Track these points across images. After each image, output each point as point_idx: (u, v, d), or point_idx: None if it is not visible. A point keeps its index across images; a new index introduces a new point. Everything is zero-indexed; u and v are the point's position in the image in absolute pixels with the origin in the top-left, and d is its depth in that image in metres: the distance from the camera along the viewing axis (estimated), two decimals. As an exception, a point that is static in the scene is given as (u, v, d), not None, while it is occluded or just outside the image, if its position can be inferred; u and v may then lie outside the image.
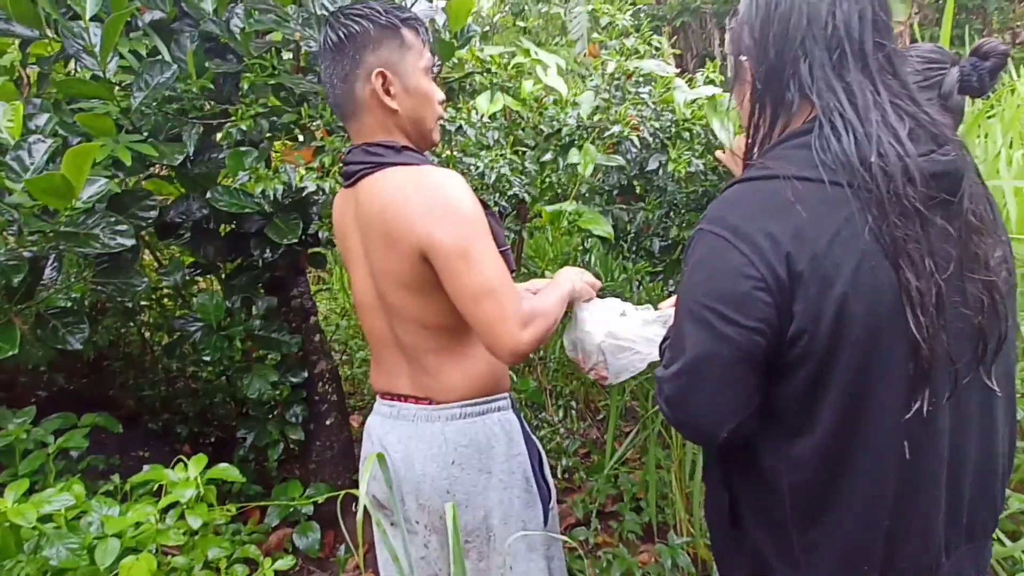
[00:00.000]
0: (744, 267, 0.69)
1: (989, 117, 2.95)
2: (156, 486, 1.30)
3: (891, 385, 0.70)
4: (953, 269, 0.70)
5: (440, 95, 1.04)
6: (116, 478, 1.43)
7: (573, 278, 1.08)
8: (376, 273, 1.01)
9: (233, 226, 1.81)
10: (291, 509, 1.98)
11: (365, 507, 0.77)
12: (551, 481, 1.12)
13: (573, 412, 2.53)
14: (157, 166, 1.81)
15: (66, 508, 1.08)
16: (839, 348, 0.69)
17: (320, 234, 1.58)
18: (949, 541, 0.76)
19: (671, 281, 1.66)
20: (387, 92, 0.97)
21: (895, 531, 0.73)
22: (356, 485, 2.35)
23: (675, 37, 6.75)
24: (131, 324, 2.42)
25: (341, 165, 1.10)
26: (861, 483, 0.72)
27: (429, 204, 0.90)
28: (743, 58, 0.79)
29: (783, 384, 0.73)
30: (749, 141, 0.82)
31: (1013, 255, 0.79)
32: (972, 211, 0.72)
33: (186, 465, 1.29)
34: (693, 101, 1.50)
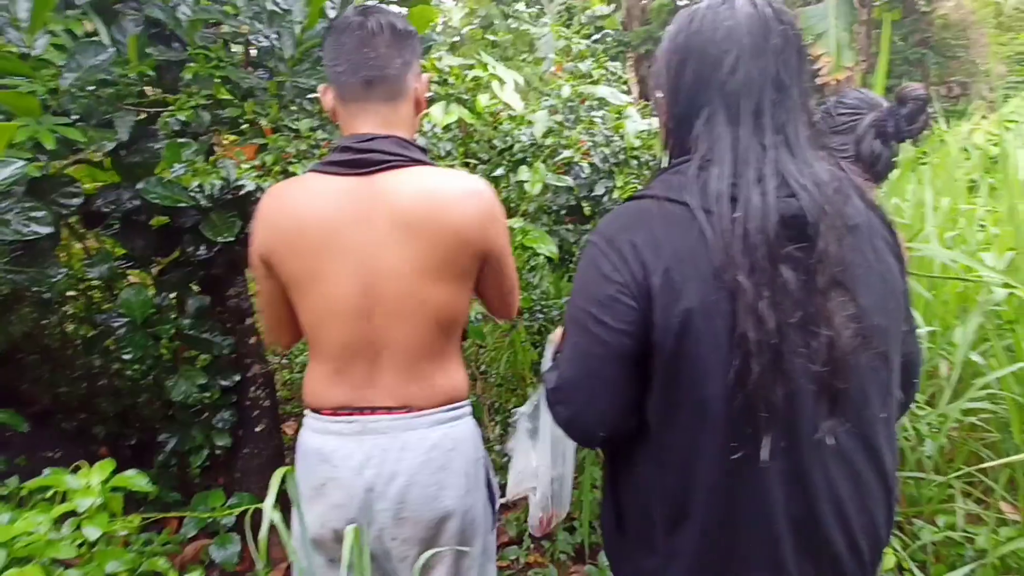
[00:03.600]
0: (611, 272, 0.76)
1: (923, 164, 3.13)
2: (57, 491, 1.21)
3: (720, 411, 0.73)
4: (797, 322, 0.71)
5: None
6: (14, 481, 1.33)
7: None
8: (392, 269, 0.95)
9: (168, 220, 1.73)
10: (210, 519, 1.89)
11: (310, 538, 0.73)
12: (496, 488, 1.13)
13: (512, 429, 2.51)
14: (92, 152, 1.72)
15: (-53, 514, 0.99)
16: (681, 361, 0.73)
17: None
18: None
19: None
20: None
21: (734, 554, 0.77)
22: (284, 496, 2.26)
23: (640, 64, 6.93)
24: (51, 316, 2.28)
25: (340, 151, 0.98)
26: (698, 498, 0.76)
27: (489, 208, 1.00)
28: (659, 95, 0.84)
29: (648, 391, 0.78)
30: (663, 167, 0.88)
31: (893, 322, 0.79)
32: (826, 267, 0.72)
33: (87, 470, 1.21)
34: (643, 131, 1.53)
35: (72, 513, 1.12)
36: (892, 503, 0.83)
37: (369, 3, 1.00)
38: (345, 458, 0.98)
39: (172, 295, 1.86)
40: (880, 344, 0.76)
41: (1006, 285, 1.66)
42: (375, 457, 0.98)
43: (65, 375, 2.29)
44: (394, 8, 1.86)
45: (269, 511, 0.74)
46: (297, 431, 2.79)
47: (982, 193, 2.78)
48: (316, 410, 1.03)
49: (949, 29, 6.48)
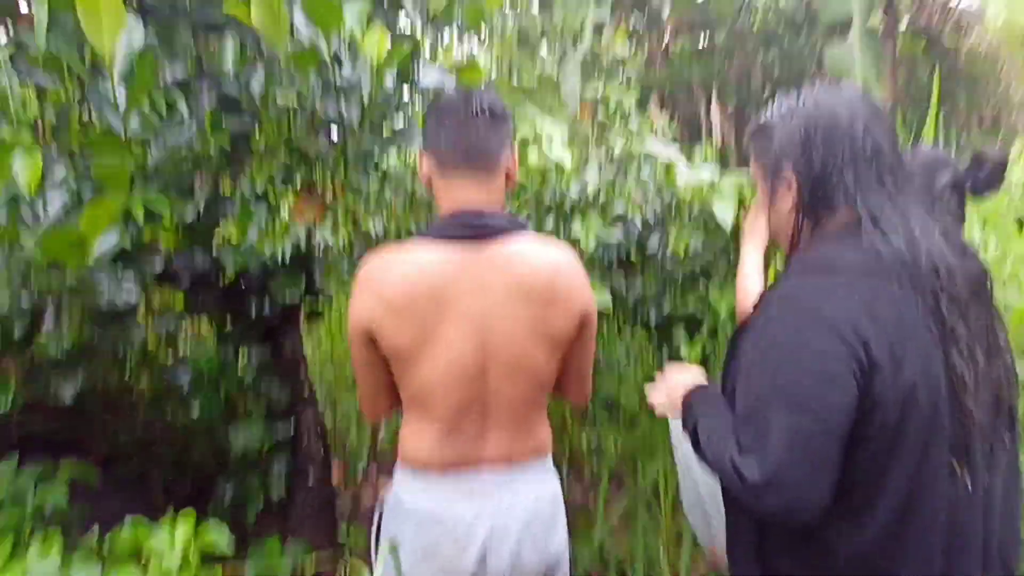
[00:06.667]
0: (830, 348, 0.76)
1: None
2: (139, 544, 1.25)
3: (940, 465, 0.79)
4: (985, 353, 0.80)
5: None
6: (96, 531, 1.38)
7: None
8: (506, 332, 1.00)
9: (232, 277, 1.81)
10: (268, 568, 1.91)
11: None
12: None
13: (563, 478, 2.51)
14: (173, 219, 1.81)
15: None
16: (904, 431, 0.77)
17: (325, 291, 1.59)
18: None
19: (665, 353, 1.69)
20: None
21: None
22: (336, 541, 2.27)
23: (664, 105, 7.04)
24: (113, 366, 2.37)
25: (453, 221, 1.02)
26: (915, 551, 0.79)
27: (585, 274, 1.09)
28: (787, 170, 0.89)
29: (849, 463, 0.79)
30: (792, 239, 0.92)
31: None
32: (994, 304, 0.85)
33: (171, 524, 1.25)
34: (692, 183, 1.58)
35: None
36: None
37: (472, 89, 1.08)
38: (459, 517, 1.01)
39: (231, 348, 1.94)
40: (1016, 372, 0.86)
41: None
42: (486, 514, 1.02)
43: (123, 423, 2.36)
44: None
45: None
46: (344, 478, 2.81)
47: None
48: (421, 469, 1.04)
49: (976, 60, 6.49)
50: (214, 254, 1.50)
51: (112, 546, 1.21)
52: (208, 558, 1.80)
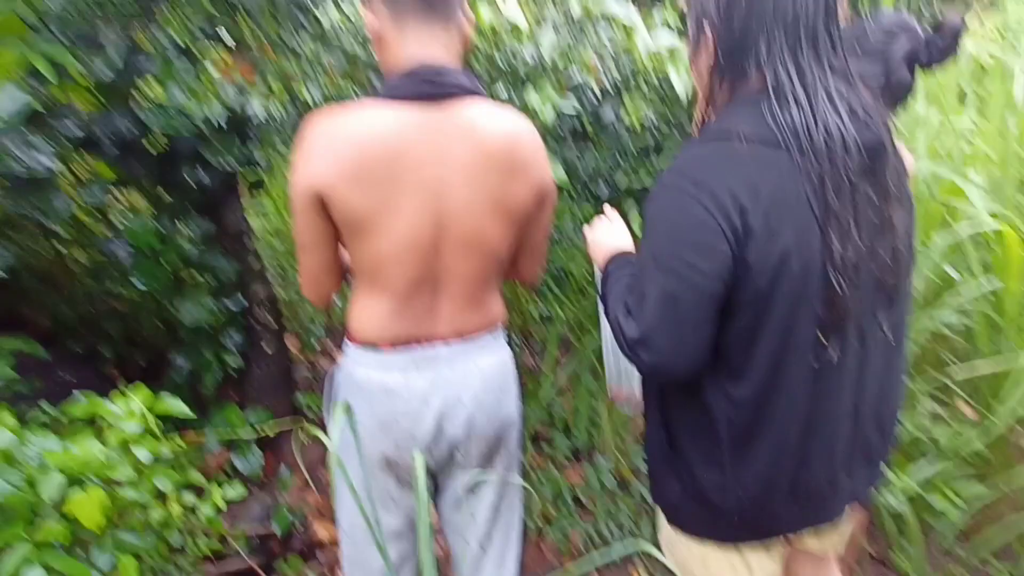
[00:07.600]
0: (706, 218, 0.76)
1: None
2: (96, 415, 1.27)
3: (809, 334, 0.81)
4: (871, 233, 0.81)
5: None
6: (46, 406, 1.38)
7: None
8: (463, 204, 0.95)
9: (163, 143, 1.68)
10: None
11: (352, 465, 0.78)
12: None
13: (514, 343, 2.63)
14: (84, 76, 1.62)
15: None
16: (774, 298, 0.79)
17: (259, 157, 1.50)
18: (850, 463, 0.92)
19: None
20: None
21: (805, 455, 0.88)
22: (295, 408, 2.35)
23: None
24: (45, 240, 2.24)
25: (409, 78, 0.93)
26: (780, 417, 0.85)
27: (543, 148, 1.04)
28: (706, 27, 0.83)
29: (727, 326, 0.82)
30: (705, 103, 0.88)
31: (915, 223, 0.91)
32: (891, 182, 0.83)
33: (124, 395, 1.26)
34: (653, 50, 1.50)
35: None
36: (903, 395, 0.97)
37: None
38: (412, 391, 1.02)
39: (169, 219, 1.85)
40: (912, 250, 0.87)
41: (993, 216, 1.73)
42: (440, 385, 1.02)
43: (64, 298, 2.29)
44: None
45: (336, 442, 0.77)
46: (302, 351, 2.84)
47: (970, 104, 2.79)
48: (372, 345, 1.02)
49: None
50: (140, 117, 1.37)
51: (67, 417, 1.22)
52: (168, 426, 1.85)
